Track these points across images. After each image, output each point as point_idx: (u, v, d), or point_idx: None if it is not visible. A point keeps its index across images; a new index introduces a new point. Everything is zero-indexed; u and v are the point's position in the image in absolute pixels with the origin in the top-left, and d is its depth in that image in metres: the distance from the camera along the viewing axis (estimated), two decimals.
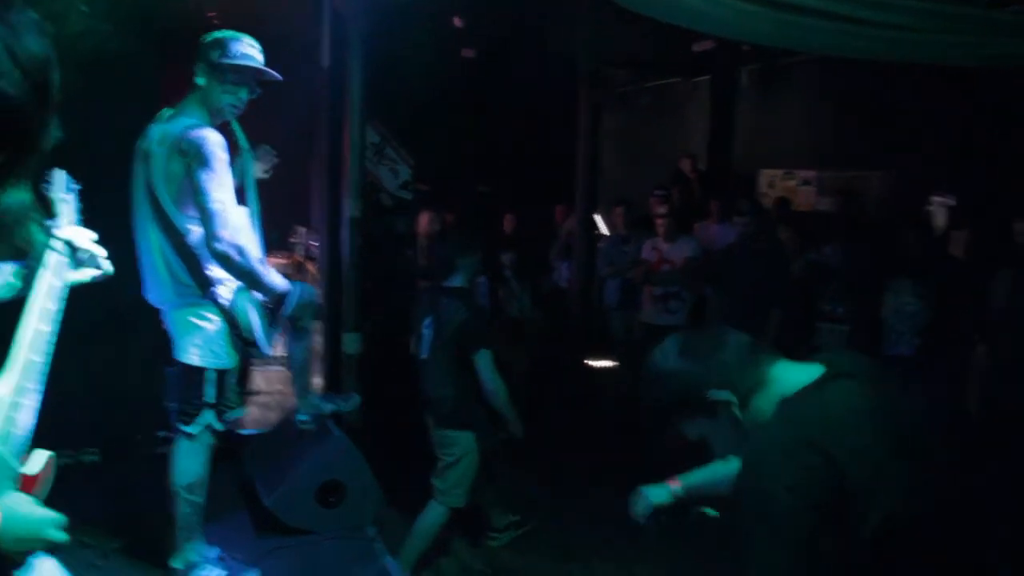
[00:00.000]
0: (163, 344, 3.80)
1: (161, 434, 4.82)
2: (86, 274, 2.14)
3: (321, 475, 4.20)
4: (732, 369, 1.65)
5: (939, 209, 6.84)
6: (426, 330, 4.46)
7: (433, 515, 4.36)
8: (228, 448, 5.10)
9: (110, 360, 4.71)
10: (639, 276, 6.84)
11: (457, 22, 7.31)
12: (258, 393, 7.29)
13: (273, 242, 3.97)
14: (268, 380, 7.85)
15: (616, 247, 7.42)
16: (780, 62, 9.16)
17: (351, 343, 5.40)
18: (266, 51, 3.59)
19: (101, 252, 2.15)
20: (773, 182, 9.10)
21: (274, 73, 3.52)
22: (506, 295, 6.95)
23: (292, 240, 8.03)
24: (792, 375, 1.64)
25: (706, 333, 1.75)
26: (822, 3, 3.97)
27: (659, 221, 6.79)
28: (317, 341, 6.29)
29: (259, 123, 4.08)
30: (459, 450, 4.36)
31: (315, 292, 3.95)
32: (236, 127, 3.74)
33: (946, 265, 5.71)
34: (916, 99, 7.41)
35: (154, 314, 3.67)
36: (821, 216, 7.89)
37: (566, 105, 8.00)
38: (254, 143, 3.91)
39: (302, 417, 4.26)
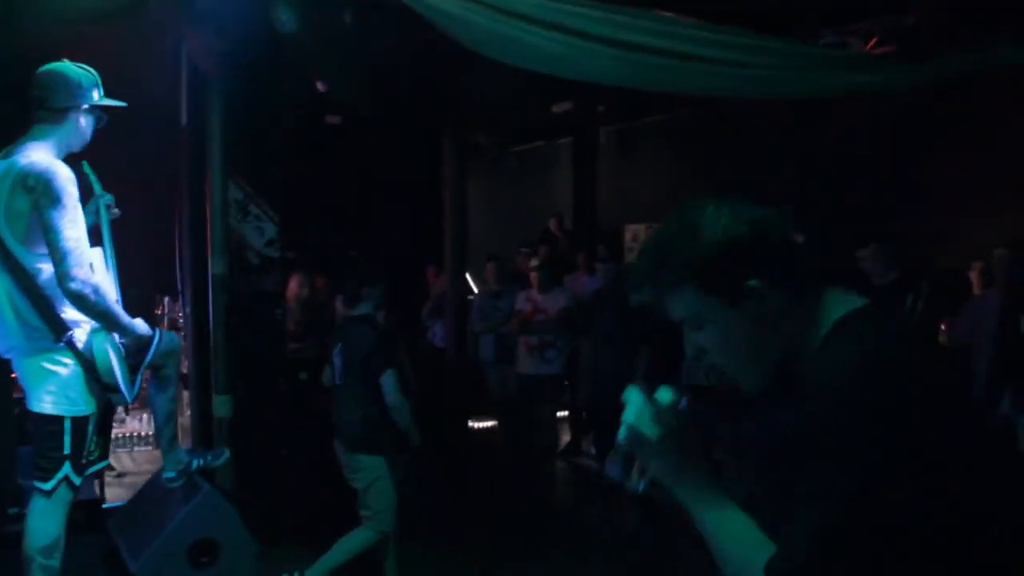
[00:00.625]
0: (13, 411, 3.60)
1: (12, 511, 4.51)
2: None
3: (192, 534, 3.98)
4: (793, 255, 1.36)
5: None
6: (336, 358, 4.74)
7: (360, 537, 4.62)
8: (90, 519, 4.82)
9: None
10: (515, 327, 6.92)
11: (320, 87, 7.34)
12: (125, 474, 6.95)
13: (132, 299, 3.83)
14: (136, 460, 7.49)
15: (489, 302, 7.48)
16: (637, 122, 9.62)
17: (222, 406, 5.19)
18: (121, 110, 3.53)
19: None
20: (637, 236, 9.43)
21: (117, 102, 3.45)
22: None
23: (157, 312, 7.77)
24: (840, 295, 1.39)
25: (760, 206, 1.40)
26: (664, 42, 4.23)
27: (532, 275, 6.92)
28: (186, 412, 6.09)
29: (117, 185, 3.98)
30: (369, 475, 4.60)
31: (177, 339, 3.83)
32: (88, 169, 3.64)
33: None
34: (764, 147, 7.90)
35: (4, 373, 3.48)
36: None
37: (433, 170, 8.13)
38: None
39: (168, 474, 4.06)
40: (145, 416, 7.91)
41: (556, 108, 8.57)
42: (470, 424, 8.23)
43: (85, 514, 4.81)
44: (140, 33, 4.91)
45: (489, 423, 8.48)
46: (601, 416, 6.92)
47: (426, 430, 7.26)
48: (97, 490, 5.33)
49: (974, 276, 5.99)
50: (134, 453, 7.62)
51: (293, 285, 6.86)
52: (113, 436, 7.67)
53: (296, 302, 6.90)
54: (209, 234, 5.15)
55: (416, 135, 8.72)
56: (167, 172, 5.83)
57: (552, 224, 9.43)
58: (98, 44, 4.00)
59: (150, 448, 7.45)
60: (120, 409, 7.93)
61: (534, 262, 7.02)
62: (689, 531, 1.38)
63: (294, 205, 6.71)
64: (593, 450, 7.52)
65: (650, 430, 1.41)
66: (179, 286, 6.00)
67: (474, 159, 10.41)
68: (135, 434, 7.79)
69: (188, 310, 5.68)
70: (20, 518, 3.58)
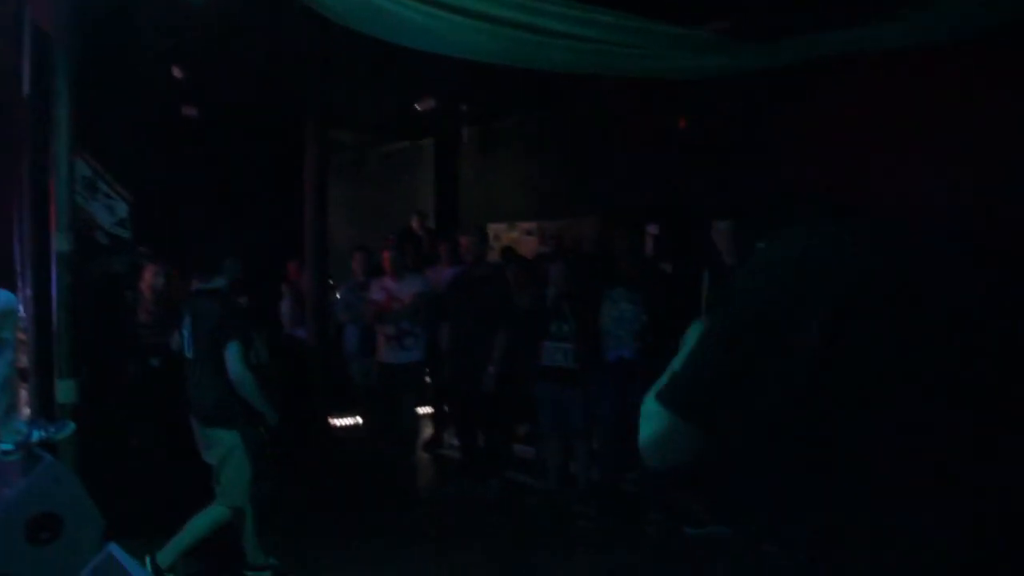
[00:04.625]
0: None
1: None
2: None
3: (31, 507, 3.74)
4: None
5: (648, 239, 7.48)
6: (185, 331, 4.71)
7: (212, 514, 4.57)
8: None
9: None
10: (370, 317, 6.84)
11: (177, 73, 7.12)
12: None
13: None
14: None
15: (354, 293, 7.40)
16: (499, 122, 9.78)
17: (65, 391, 4.91)
18: None
19: None
20: (498, 234, 9.57)
21: None
22: None
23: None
24: None
25: None
26: (531, 17, 4.33)
27: (386, 255, 6.87)
28: (24, 392, 5.75)
29: None
30: (223, 449, 4.56)
31: (13, 298, 3.62)
32: None
33: (657, 278, 6.24)
34: (617, 149, 8.18)
35: None
36: (544, 256, 8.33)
37: (295, 167, 8.01)
38: None
39: (5, 446, 3.82)
40: None
41: (420, 106, 8.61)
42: (333, 420, 8.13)
43: None
44: None
45: (352, 420, 8.39)
46: (460, 398, 6.97)
47: (287, 425, 7.16)
48: None
49: None
50: None
51: (148, 275, 6.61)
52: None
53: (151, 292, 6.65)
54: (53, 210, 4.91)
55: (277, 130, 8.57)
56: (7, 145, 5.53)
57: (414, 222, 9.42)
58: None
59: None
60: None
61: (389, 247, 6.99)
62: None
63: (148, 195, 6.48)
64: (455, 441, 7.54)
65: None
66: (18, 266, 5.67)
67: (337, 158, 10.34)
68: None
69: (29, 291, 5.37)
70: None
